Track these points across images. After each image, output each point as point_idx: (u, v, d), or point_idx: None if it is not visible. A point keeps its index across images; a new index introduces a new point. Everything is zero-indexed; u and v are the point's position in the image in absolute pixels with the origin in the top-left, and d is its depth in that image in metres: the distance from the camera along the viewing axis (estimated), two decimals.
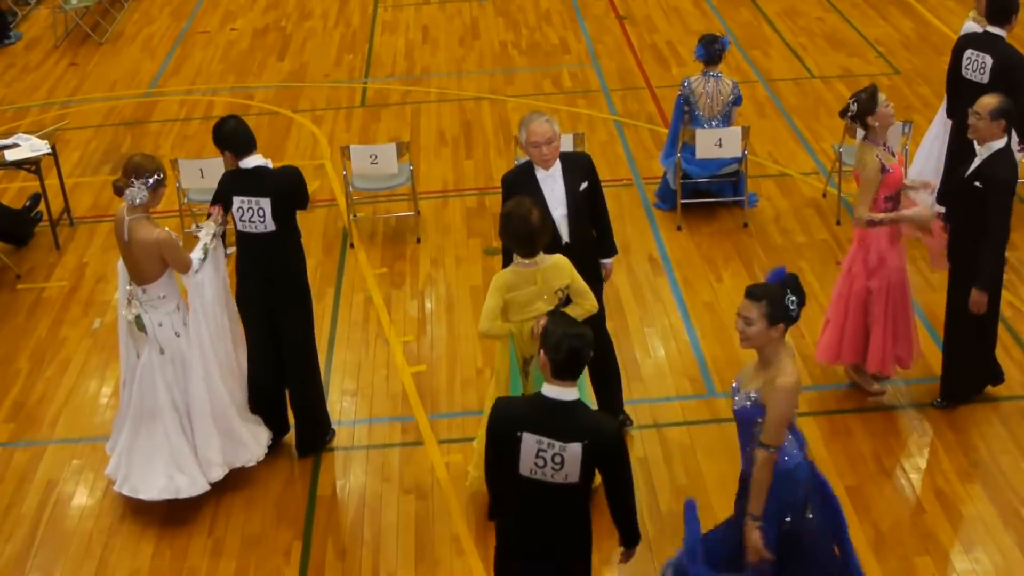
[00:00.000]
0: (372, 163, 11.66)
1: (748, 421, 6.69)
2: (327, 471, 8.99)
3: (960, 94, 10.85)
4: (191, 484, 8.50)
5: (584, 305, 7.81)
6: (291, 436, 9.19)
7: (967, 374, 9.31)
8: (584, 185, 8.36)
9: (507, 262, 8.09)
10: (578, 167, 8.43)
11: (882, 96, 8.82)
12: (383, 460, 9.07)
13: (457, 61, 16.33)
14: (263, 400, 8.95)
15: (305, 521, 8.54)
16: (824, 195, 12.27)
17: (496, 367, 8.09)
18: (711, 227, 11.91)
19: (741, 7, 17.93)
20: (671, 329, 10.39)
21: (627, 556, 6.63)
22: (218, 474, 8.62)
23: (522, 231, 7.49)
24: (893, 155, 8.93)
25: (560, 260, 7.79)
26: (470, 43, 16.88)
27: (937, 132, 11.74)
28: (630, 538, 6.50)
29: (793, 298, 6.54)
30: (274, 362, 8.86)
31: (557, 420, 5.98)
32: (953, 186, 8.98)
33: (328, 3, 18.81)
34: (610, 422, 6.26)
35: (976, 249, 8.67)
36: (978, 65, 10.64)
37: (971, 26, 11.25)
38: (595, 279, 8.44)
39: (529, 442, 5.99)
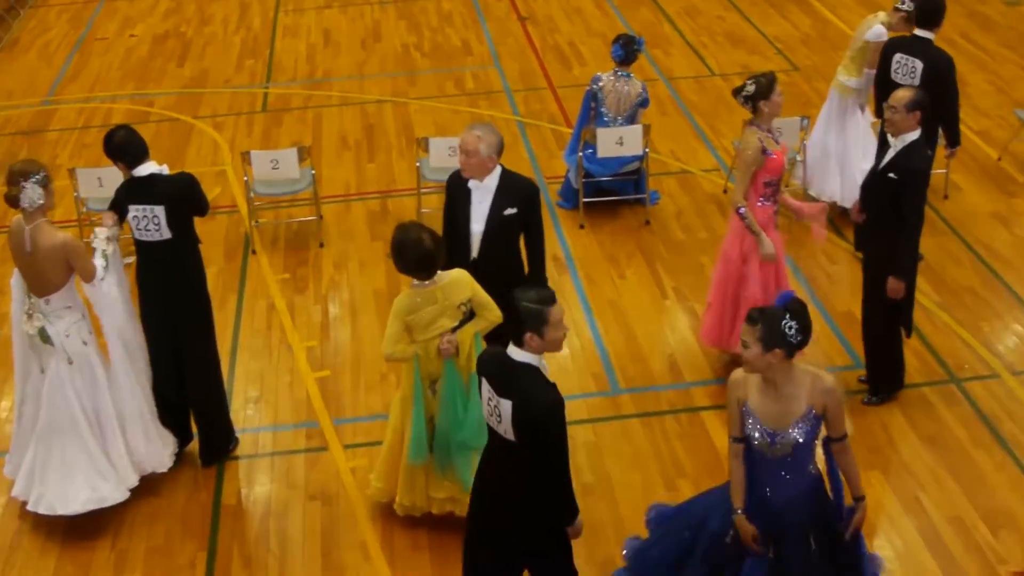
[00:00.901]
0: (273, 168, 11.59)
1: (808, 446, 6.54)
2: (231, 480, 8.91)
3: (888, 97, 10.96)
4: (114, 491, 8.39)
5: (488, 316, 7.72)
6: (194, 445, 9.10)
7: (894, 366, 9.45)
8: (512, 211, 8.22)
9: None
10: (514, 192, 8.25)
11: (778, 87, 9.01)
12: (288, 467, 9.02)
13: (359, 64, 16.28)
14: (165, 409, 8.85)
15: (210, 531, 8.47)
16: (725, 191, 12.37)
17: (401, 387, 8.04)
18: (613, 225, 11.97)
19: (642, 6, 18.04)
20: (575, 327, 10.41)
21: (574, 534, 6.66)
22: (134, 480, 8.52)
23: (417, 257, 7.40)
24: (777, 143, 9.09)
25: (459, 274, 7.69)
26: (372, 46, 16.84)
27: (824, 129, 11.90)
28: (561, 516, 6.54)
29: (792, 323, 6.28)
30: (175, 371, 8.77)
31: (503, 374, 6.28)
32: (868, 178, 9.10)
33: (229, 8, 18.69)
34: (545, 394, 6.17)
35: (892, 239, 8.79)
36: (908, 69, 10.72)
37: (881, 30, 11.38)
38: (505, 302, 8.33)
39: (485, 387, 6.39)
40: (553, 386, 6.27)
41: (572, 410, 9.20)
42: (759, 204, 9.08)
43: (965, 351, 10.07)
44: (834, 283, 10.93)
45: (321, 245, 11.79)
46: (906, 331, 9.36)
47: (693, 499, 7.39)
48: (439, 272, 7.56)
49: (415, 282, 7.57)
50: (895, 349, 9.39)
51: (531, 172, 12.89)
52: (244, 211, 12.18)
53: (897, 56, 10.75)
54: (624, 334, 10.30)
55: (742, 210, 9.02)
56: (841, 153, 11.77)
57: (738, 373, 6.62)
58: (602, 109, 11.84)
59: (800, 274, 11.07)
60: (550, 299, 6.22)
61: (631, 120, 11.86)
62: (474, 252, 8.30)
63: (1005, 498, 8.51)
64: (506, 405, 6.22)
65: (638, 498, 8.52)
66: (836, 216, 11.97)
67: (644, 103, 11.95)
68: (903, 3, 11.26)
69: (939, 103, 10.39)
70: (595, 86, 11.89)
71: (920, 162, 8.75)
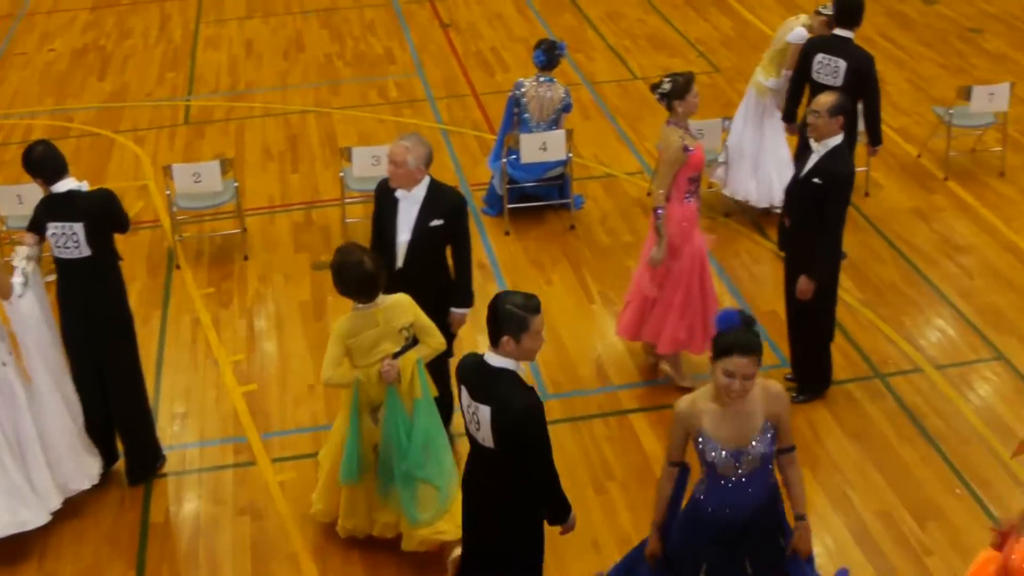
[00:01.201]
0: (196, 182, 11.50)
1: (771, 454, 6.47)
2: (159, 498, 8.83)
3: (810, 97, 11.01)
4: (35, 515, 8.27)
5: (431, 343, 7.65)
6: (121, 464, 9.01)
7: (821, 364, 9.54)
8: (439, 222, 8.21)
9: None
10: (442, 203, 8.25)
11: (695, 87, 9.09)
12: (216, 483, 8.95)
13: (282, 75, 16.19)
14: (90, 428, 8.75)
15: (138, 550, 8.39)
16: (649, 194, 12.40)
17: (341, 410, 7.97)
18: (539, 231, 11.99)
19: (564, 11, 18.08)
20: None
21: (564, 531, 6.78)
22: (56, 503, 8.41)
23: (358, 279, 7.32)
24: (695, 139, 9.17)
25: (402, 299, 7.58)
26: (295, 56, 16.75)
27: (740, 130, 11.99)
28: (553, 515, 6.64)
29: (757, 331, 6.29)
30: (99, 389, 8.68)
31: (480, 380, 6.29)
32: (791, 184, 9.14)
33: (149, 20, 18.52)
34: (523, 399, 6.16)
35: (815, 242, 8.86)
36: (831, 69, 10.80)
37: (803, 32, 11.47)
38: (431, 313, 8.17)
39: (464, 395, 6.39)
40: (531, 390, 6.28)
41: None
42: (684, 201, 9.11)
43: (888, 347, 10.18)
44: (758, 283, 11.01)
45: (245, 258, 11.72)
46: (828, 336, 9.44)
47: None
48: (381, 295, 7.46)
49: (356, 305, 7.46)
50: (821, 348, 9.46)
51: (455, 179, 12.88)
52: (167, 226, 12.09)
53: (819, 56, 10.83)
54: (551, 340, 10.30)
55: (660, 211, 9.04)
56: (756, 154, 11.88)
57: (685, 403, 6.44)
58: (525, 115, 11.85)
59: (724, 274, 11.14)
60: (535, 308, 6.24)
61: (554, 125, 11.88)
62: (400, 261, 8.28)
63: (931, 490, 8.62)
64: (484, 411, 6.23)
65: (578, 502, 8.52)
66: (758, 216, 12.07)
67: (567, 108, 11.97)
68: (825, 8, 11.39)
69: (862, 101, 10.54)
70: (518, 92, 11.90)
71: (844, 166, 8.82)
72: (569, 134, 11.75)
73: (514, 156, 11.81)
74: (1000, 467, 8.84)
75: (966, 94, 12.69)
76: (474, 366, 6.39)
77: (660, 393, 9.62)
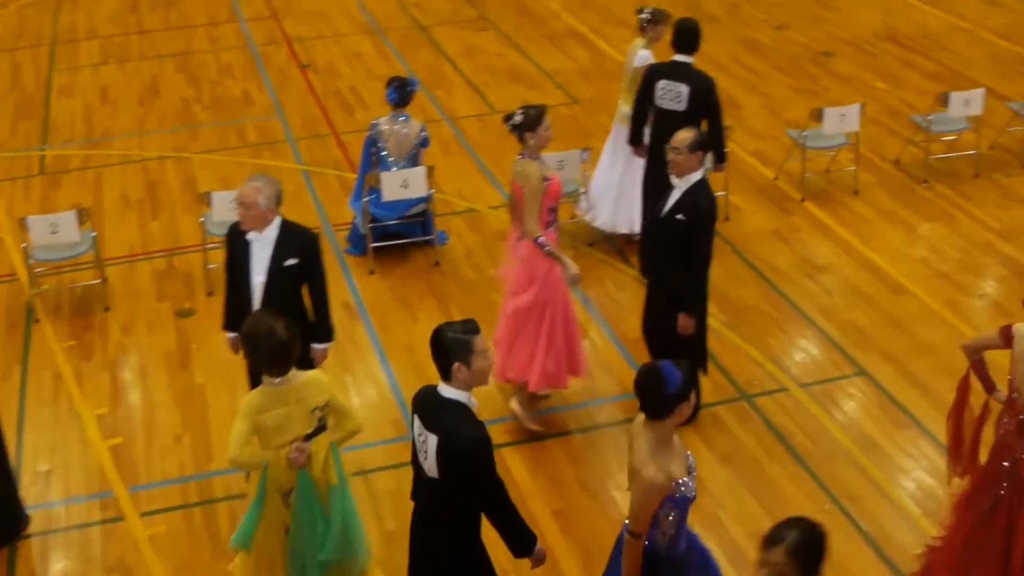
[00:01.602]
0: (52, 233, 11.29)
1: None
2: (24, 561, 8.60)
3: (657, 123, 11.17)
4: None
5: (347, 426, 7.21)
6: None
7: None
8: (293, 261, 8.15)
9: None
10: (295, 242, 8.19)
11: (547, 120, 9.03)
12: (83, 541, 8.75)
13: (138, 121, 15.97)
14: None
15: None
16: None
17: (249, 492, 7.44)
18: (403, 268, 11.96)
19: (421, 48, 18.12)
20: (370, 373, 10.38)
21: (533, 563, 6.70)
22: None
23: (272, 348, 6.84)
24: (549, 169, 9.19)
25: (318, 376, 7.17)
26: (151, 102, 16.54)
27: (610, 161, 12.09)
28: (513, 547, 6.61)
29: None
30: None
31: (432, 411, 6.32)
32: (654, 221, 9.17)
33: (0, 70, 18.19)
34: (469, 430, 6.20)
35: (682, 277, 8.93)
36: (674, 94, 10.94)
37: (646, 54, 11.62)
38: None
39: (416, 423, 6.41)
40: (480, 424, 6.29)
41: (372, 457, 9.27)
42: (545, 231, 9.12)
43: (754, 368, 10.32)
44: (623, 310, 11.09)
45: (107, 309, 11.51)
46: (702, 367, 9.50)
47: None
48: (294, 371, 7.00)
49: (267, 379, 6.96)
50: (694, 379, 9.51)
51: (317, 220, 12.81)
52: (24, 279, 11.84)
53: (661, 83, 10.98)
54: (420, 377, 10.23)
55: (541, 239, 8.99)
56: (621, 182, 11.97)
57: (660, 477, 6.17)
58: (383, 154, 11.82)
59: (590, 303, 11.22)
60: (474, 329, 6.31)
61: (414, 161, 11.87)
62: (256, 303, 8.20)
63: (801, 508, 8.69)
64: (432, 440, 6.26)
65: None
66: (622, 244, 12.18)
67: (425, 143, 11.98)
68: (641, 12, 11.66)
69: (705, 123, 10.71)
70: (374, 131, 11.88)
71: (707, 200, 8.87)
72: (430, 170, 11.75)
73: (375, 194, 11.78)
74: (867, 482, 9.00)
75: (818, 116, 12.95)
76: (427, 396, 6.42)
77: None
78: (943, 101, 13.42)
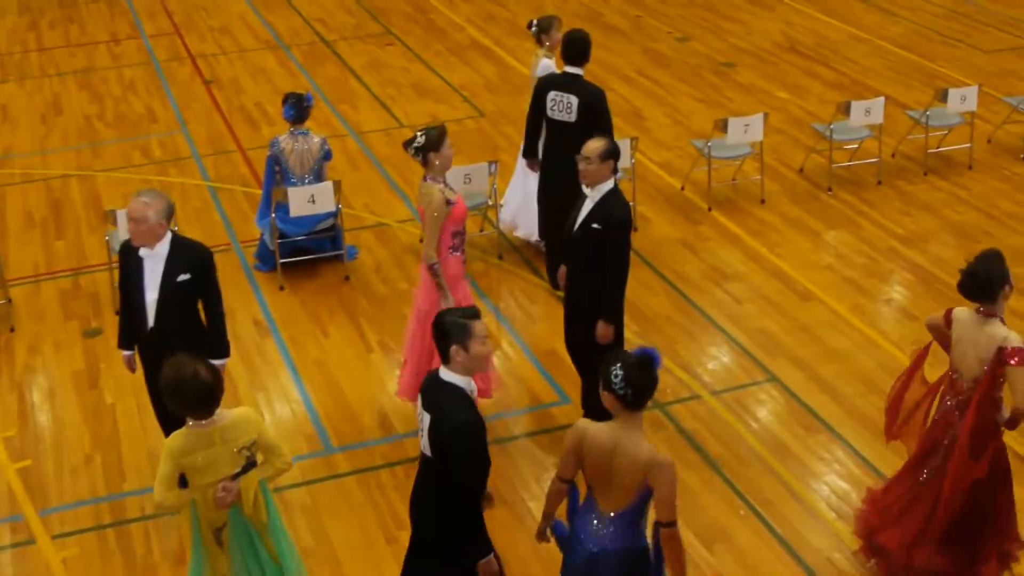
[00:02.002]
0: None
1: None
2: None
3: (548, 134, 11.24)
4: None
5: (276, 464, 6.94)
6: None
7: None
8: (186, 277, 8.09)
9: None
10: (187, 257, 8.13)
11: (448, 140, 8.96)
12: None
13: (40, 139, 15.75)
14: None
15: None
16: (421, 240, 12.40)
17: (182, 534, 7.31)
18: (313, 284, 11.90)
19: (327, 63, 18.07)
20: (282, 390, 10.31)
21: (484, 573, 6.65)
22: None
23: (196, 392, 6.55)
24: (454, 191, 9.10)
25: (245, 414, 6.89)
26: (53, 119, 16.32)
27: (523, 171, 12.13)
28: (471, 547, 6.61)
29: (619, 372, 6.18)
30: None
31: (431, 392, 6.56)
32: (568, 231, 9.17)
33: None
34: (460, 413, 6.37)
35: (599, 286, 8.95)
36: (564, 105, 11.01)
37: (547, 63, 11.70)
38: None
39: (419, 403, 6.64)
40: (472, 409, 6.44)
41: (286, 474, 9.15)
42: (450, 255, 9.07)
43: (666, 376, 10.38)
44: (535, 322, 11.13)
45: (12, 330, 11.32)
46: None
47: None
48: (219, 410, 6.74)
49: (191, 422, 6.68)
50: None
51: (225, 237, 12.72)
52: None
53: (552, 94, 11.07)
54: (333, 392, 10.24)
55: (436, 266, 8.97)
56: (536, 190, 12.01)
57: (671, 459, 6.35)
58: (287, 171, 11.75)
59: (501, 316, 11.24)
60: (474, 315, 6.51)
61: (318, 176, 11.82)
62: (151, 321, 8.15)
63: (716, 513, 8.81)
64: (426, 419, 6.51)
65: (361, 556, 8.49)
66: (532, 255, 12.22)
67: (327, 156, 11.93)
68: (530, 25, 11.80)
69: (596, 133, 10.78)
70: (275, 150, 11.80)
71: (621, 208, 8.91)
72: (337, 185, 11.71)
73: (283, 210, 11.71)
74: (780, 486, 9.10)
75: (723, 126, 13.08)
76: (431, 378, 6.64)
77: None
78: (844, 110, 13.62)
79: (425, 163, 8.94)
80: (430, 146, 8.86)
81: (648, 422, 9.74)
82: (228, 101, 16.67)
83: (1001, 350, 7.35)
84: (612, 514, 6.41)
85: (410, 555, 7.10)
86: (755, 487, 9.10)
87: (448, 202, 8.89)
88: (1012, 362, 7.32)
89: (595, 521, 6.46)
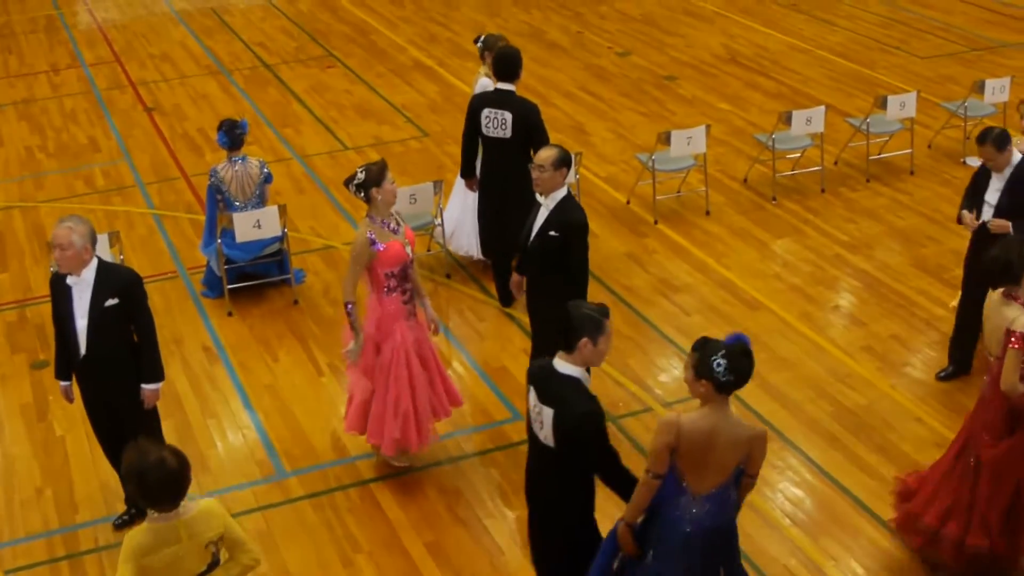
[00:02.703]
0: None
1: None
2: None
3: (485, 152, 11.28)
4: None
5: (243, 560, 6.32)
6: None
7: None
8: (114, 301, 8.06)
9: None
10: (114, 281, 8.11)
11: (390, 174, 8.76)
12: None
13: None
14: None
15: None
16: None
17: None
18: (261, 309, 11.85)
19: (269, 87, 18.03)
20: (233, 416, 10.25)
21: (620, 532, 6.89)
22: None
23: (161, 481, 5.94)
24: (394, 232, 8.80)
25: (210, 506, 6.26)
26: None
27: (463, 188, 12.15)
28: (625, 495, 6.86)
29: (721, 361, 6.42)
30: None
31: (547, 384, 6.72)
32: (524, 241, 9.19)
33: None
34: (584, 404, 6.59)
35: (561, 294, 8.89)
36: (499, 122, 11.05)
37: (486, 81, 11.74)
38: (123, 395, 8.33)
39: (531, 396, 6.84)
40: (594, 398, 6.68)
41: (239, 500, 9.15)
42: (384, 295, 8.87)
43: (617, 390, 10.41)
44: (485, 340, 11.12)
45: None
46: None
47: None
48: (185, 502, 6.11)
49: (154, 514, 6.05)
50: None
51: (172, 264, 12.65)
52: None
53: (486, 111, 11.10)
54: (284, 417, 10.20)
55: (349, 307, 8.80)
56: (474, 209, 12.03)
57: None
58: (229, 199, 11.69)
59: (451, 335, 11.22)
60: (606, 313, 6.76)
61: (261, 200, 11.77)
62: (83, 348, 8.13)
63: None
64: (548, 413, 6.67)
65: None
66: (479, 273, 12.22)
67: (268, 179, 11.87)
68: (476, 41, 11.89)
69: (532, 148, 10.82)
70: (214, 179, 11.71)
71: (577, 214, 8.95)
72: (283, 209, 11.67)
73: (229, 236, 11.65)
74: None
75: (666, 139, 13.14)
76: (542, 369, 6.81)
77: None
78: (786, 120, 13.72)
79: (368, 200, 8.73)
80: (371, 182, 8.65)
81: None
82: (171, 128, 16.60)
83: (1008, 332, 7.62)
84: (705, 495, 6.65)
85: (533, 529, 7.33)
86: None
87: (372, 243, 8.64)
88: (1012, 344, 7.58)
89: (687, 503, 6.67)
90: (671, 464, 6.57)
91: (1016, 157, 9.82)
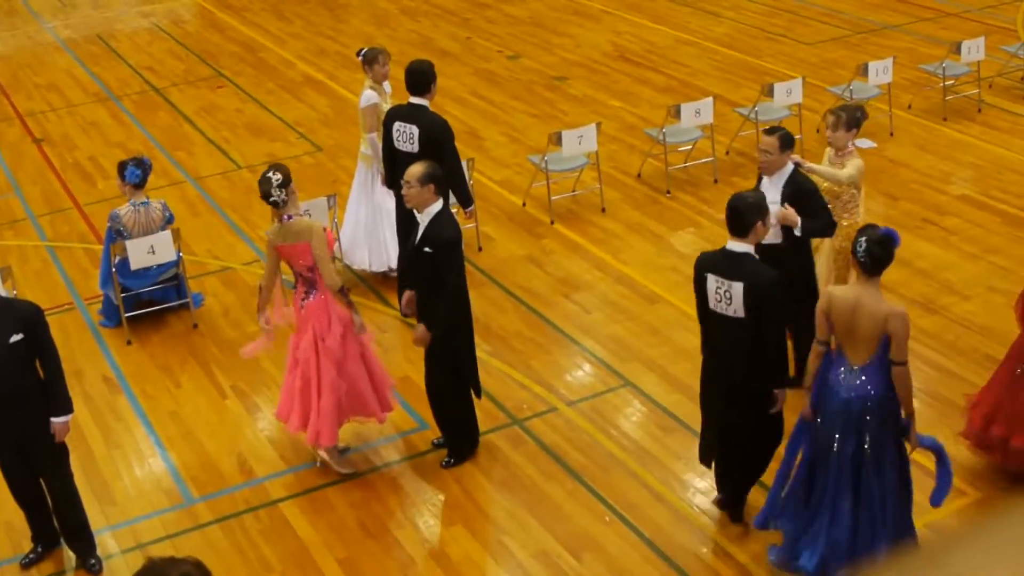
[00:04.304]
0: None
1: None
2: None
3: (397, 164, 11.25)
4: None
5: None
6: None
7: (467, 426, 9.67)
8: (18, 337, 7.93)
9: None
10: (14, 317, 7.98)
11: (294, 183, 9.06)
12: None
13: None
14: None
15: None
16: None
17: None
18: (161, 335, 11.75)
19: (159, 111, 17.88)
20: (138, 446, 10.15)
21: (778, 398, 8.13)
22: None
23: None
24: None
25: None
26: None
27: (356, 201, 12.15)
28: (777, 379, 8.08)
29: (863, 242, 7.40)
30: None
31: (730, 265, 7.85)
32: (406, 255, 9.22)
33: None
34: (768, 273, 7.79)
35: (437, 300, 8.98)
36: (408, 136, 11.03)
37: (370, 94, 11.74)
38: (34, 427, 8.23)
39: (712, 282, 7.93)
40: (771, 268, 7.85)
41: (149, 529, 9.08)
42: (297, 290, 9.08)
43: (522, 392, 10.45)
44: (387, 351, 11.10)
45: None
46: (476, 392, 9.58)
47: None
48: None
49: None
50: (465, 410, 9.57)
51: (68, 296, 12.51)
52: None
53: (396, 125, 11.09)
54: (189, 442, 10.12)
55: (345, 288, 9.06)
56: (370, 221, 12.04)
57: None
58: (130, 240, 11.51)
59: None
60: (765, 198, 8.14)
61: None
62: None
63: (581, 522, 8.87)
64: (737, 287, 7.76)
65: None
66: (377, 283, 12.22)
67: (170, 220, 11.68)
68: (359, 53, 11.92)
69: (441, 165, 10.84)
70: (116, 224, 11.49)
71: (449, 230, 8.94)
72: (176, 233, 11.57)
73: (124, 264, 11.52)
74: (643, 488, 9.19)
75: (557, 140, 13.21)
76: (718, 256, 8.00)
77: (307, 477, 9.58)
78: (675, 113, 13.85)
79: (287, 199, 8.99)
80: (288, 180, 8.97)
81: (508, 439, 9.83)
82: (61, 158, 16.40)
83: None
84: (858, 366, 7.60)
85: (724, 403, 8.29)
86: (619, 492, 9.19)
87: (324, 228, 8.97)
88: None
89: (846, 372, 7.66)
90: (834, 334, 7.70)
91: (789, 168, 9.45)
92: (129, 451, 10.12)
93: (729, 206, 7.90)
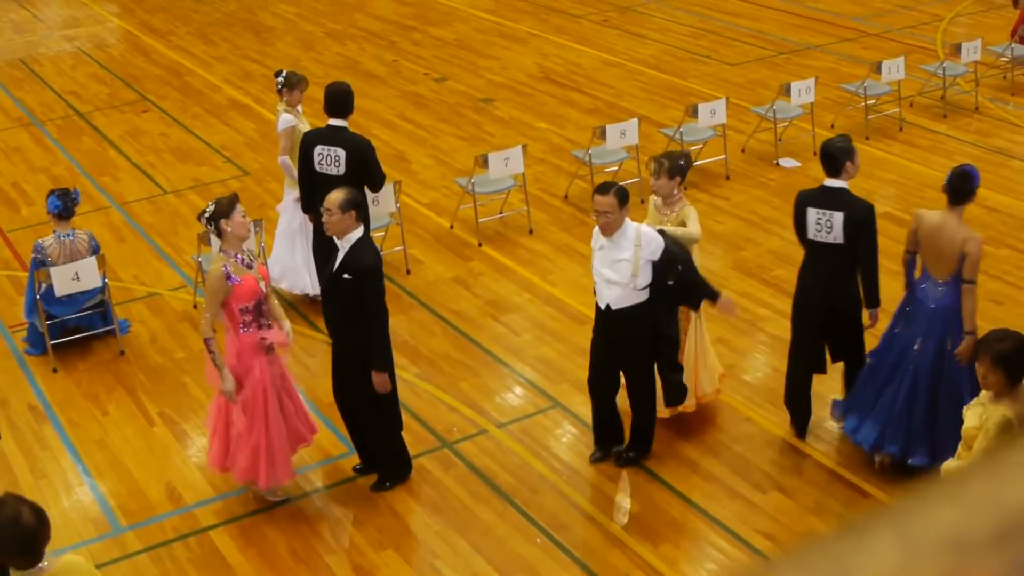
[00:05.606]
0: None
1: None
2: None
3: (319, 189, 11.21)
4: None
5: None
6: None
7: (398, 452, 9.61)
8: None
9: None
10: None
11: (241, 207, 8.80)
12: None
13: None
14: None
15: None
16: (195, 306, 12.27)
17: None
18: (87, 362, 11.64)
19: (83, 135, 17.74)
20: (64, 475, 10.05)
21: (872, 318, 9.46)
22: None
23: (18, 539, 5.69)
24: (248, 268, 8.77)
25: (75, 562, 6.10)
26: None
27: (286, 225, 12.13)
28: (871, 298, 9.35)
29: (949, 174, 9.01)
30: None
31: (829, 198, 9.17)
32: (326, 283, 9.18)
33: None
34: (863, 203, 9.25)
35: (363, 334, 8.92)
36: (332, 159, 11.00)
37: (287, 117, 11.76)
38: None
39: (812, 214, 9.20)
40: (853, 194, 9.24)
41: None
42: (240, 332, 8.80)
43: (451, 415, 10.46)
44: (316, 376, 11.08)
45: None
46: (397, 421, 9.53)
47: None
48: (48, 559, 5.83)
49: (16, 573, 5.80)
50: (393, 434, 9.54)
51: None
52: None
53: (318, 148, 11.07)
54: (117, 470, 10.03)
55: (209, 341, 8.70)
56: (297, 246, 12.01)
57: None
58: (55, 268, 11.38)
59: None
60: (850, 139, 9.60)
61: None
62: None
63: (514, 544, 8.89)
64: (838, 216, 9.03)
65: None
66: (308, 309, 12.19)
67: (96, 251, 11.48)
68: (276, 76, 11.98)
69: (367, 185, 10.86)
70: (40, 255, 11.36)
71: (369, 257, 8.88)
72: (101, 259, 11.46)
73: (48, 292, 11.40)
74: (573, 509, 9.23)
75: (484, 162, 13.26)
76: (815, 192, 9.33)
77: (238, 503, 9.52)
78: (600, 134, 13.95)
79: (218, 233, 8.75)
80: (220, 214, 8.65)
81: (438, 462, 9.83)
82: None
83: None
84: (942, 281, 8.92)
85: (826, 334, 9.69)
86: (549, 513, 9.21)
87: (228, 277, 8.60)
88: None
89: (932, 286, 9.01)
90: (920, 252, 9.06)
91: (632, 227, 9.19)
92: (56, 480, 10.02)
93: (823, 151, 9.39)
